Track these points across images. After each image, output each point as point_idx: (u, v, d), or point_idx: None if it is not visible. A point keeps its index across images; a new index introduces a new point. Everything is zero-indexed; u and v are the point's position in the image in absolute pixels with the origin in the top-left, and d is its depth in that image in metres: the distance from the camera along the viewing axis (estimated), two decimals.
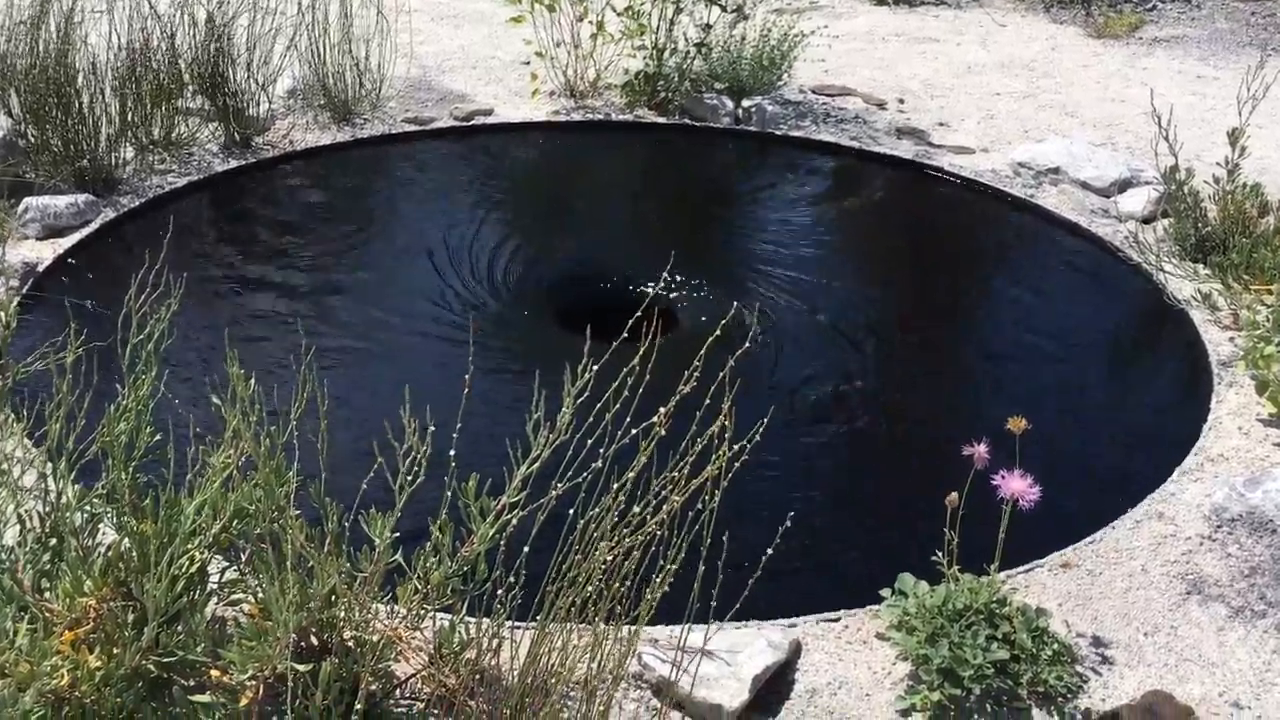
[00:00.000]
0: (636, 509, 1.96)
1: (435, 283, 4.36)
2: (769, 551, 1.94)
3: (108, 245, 4.46)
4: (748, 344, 2.16)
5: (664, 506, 1.93)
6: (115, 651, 2.13)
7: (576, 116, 5.94)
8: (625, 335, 2.19)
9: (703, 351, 2.02)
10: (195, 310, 3.99)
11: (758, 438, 1.96)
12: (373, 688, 2.28)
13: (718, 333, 2.13)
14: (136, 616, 2.17)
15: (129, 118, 4.95)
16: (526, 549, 2.03)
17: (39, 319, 3.89)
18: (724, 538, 1.91)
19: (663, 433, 1.97)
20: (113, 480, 2.33)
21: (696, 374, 2.00)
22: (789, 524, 1.96)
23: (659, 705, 2.43)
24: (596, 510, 1.97)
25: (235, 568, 2.41)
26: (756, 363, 3.86)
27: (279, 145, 5.35)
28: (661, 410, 1.98)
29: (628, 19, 5.90)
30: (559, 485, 2.10)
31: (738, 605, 2.01)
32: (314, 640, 2.23)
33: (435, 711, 2.33)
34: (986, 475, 2.53)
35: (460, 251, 4.61)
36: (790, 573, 2.43)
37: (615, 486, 1.96)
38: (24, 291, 4.04)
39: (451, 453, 2.16)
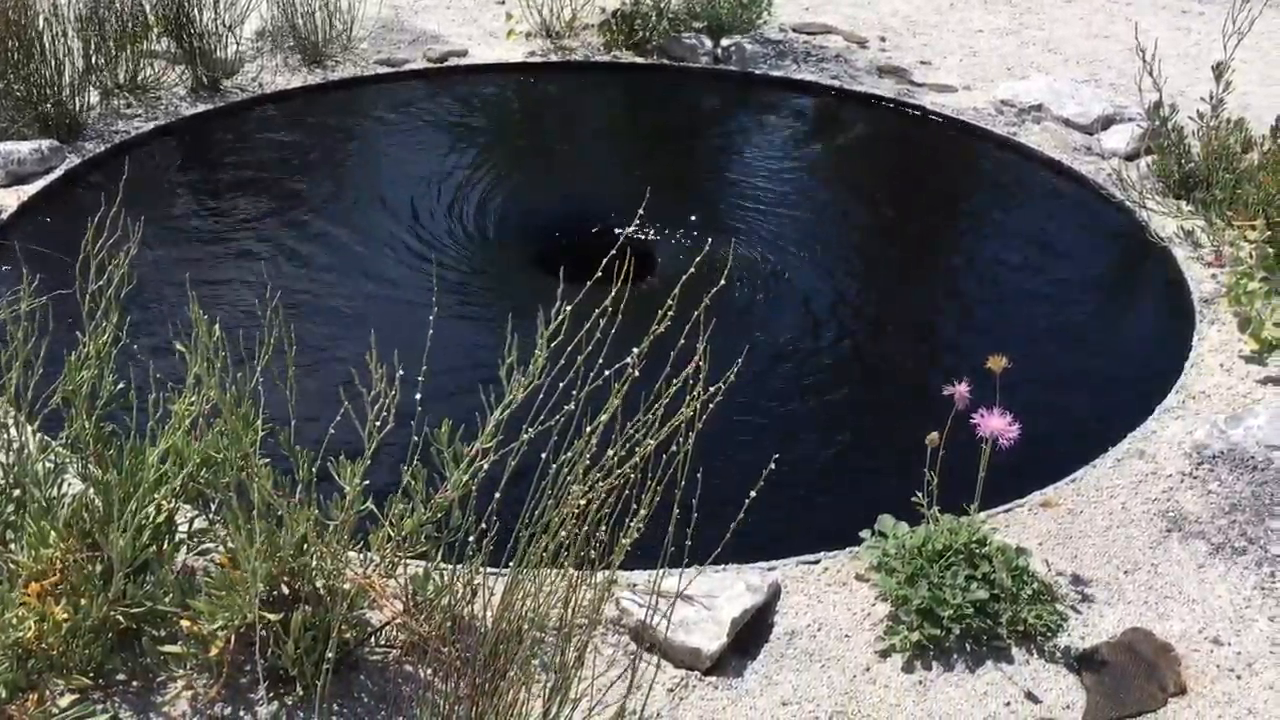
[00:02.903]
0: (610, 453, 1.92)
1: (408, 226, 4.28)
2: (751, 494, 1.90)
3: (73, 192, 4.37)
4: (722, 281, 2.10)
5: (637, 450, 1.89)
6: (82, 603, 2.10)
7: (553, 57, 5.83)
8: (599, 274, 2.13)
9: (675, 291, 1.97)
10: (162, 257, 3.92)
11: (732, 378, 1.91)
12: (346, 636, 2.25)
13: (691, 270, 2.08)
14: (104, 568, 2.14)
15: (93, 60, 4.83)
16: (498, 495, 1.99)
17: (2, 268, 3.81)
18: (698, 477, 1.87)
19: (636, 374, 1.93)
20: (76, 429, 2.28)
21: (670, 314, 1.95)
22: (773, 465, 1.92)
23: (637, 649, 2.42)
24: (569, 455, 1.93)
25: (204, 517, 2.38)
26: (733, 303, 3.82)
27: (248, 88, 5.24)
28: (635, 351, 1.93)
29: None
30: (530, 430, 2.05)
31: (718, 549, 1.99)
32: (285, 589, 2.20)
33: (409, 659, 2.31)
34: (967, 415, 2.51)
35: (434, 195, 4.53)
36: (769, 516, 2.40)
37: (588, 430, 1.92)
38: None
39: (417, 396, 2.11)
